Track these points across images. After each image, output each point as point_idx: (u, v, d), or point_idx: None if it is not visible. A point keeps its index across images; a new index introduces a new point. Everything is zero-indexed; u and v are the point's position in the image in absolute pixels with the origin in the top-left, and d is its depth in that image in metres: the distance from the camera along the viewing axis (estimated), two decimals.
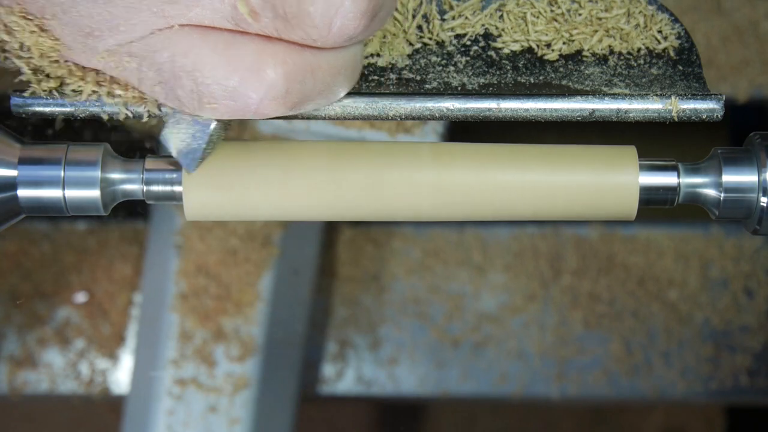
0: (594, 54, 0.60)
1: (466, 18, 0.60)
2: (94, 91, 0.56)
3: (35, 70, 0.55)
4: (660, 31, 0.60)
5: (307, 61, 0.52)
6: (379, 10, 0.51)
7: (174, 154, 0.56)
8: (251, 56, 0.51)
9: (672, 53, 0.60)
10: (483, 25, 0.60)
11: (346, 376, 1.17)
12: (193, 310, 1.03)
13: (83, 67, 0.55)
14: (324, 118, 0.58)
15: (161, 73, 0.53)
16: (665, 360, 1.16)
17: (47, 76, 0.55)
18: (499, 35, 0.60)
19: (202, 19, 0.51)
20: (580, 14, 0.60)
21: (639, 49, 0.60)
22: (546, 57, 0.60)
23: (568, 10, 0.60)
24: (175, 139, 0.56)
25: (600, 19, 0.61)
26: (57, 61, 0.55)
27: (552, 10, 0.60)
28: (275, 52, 0.51)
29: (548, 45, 0.60)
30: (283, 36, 0.51)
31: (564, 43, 0.60)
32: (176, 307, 1.03)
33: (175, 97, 0.53)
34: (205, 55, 0.51)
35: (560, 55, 0.60)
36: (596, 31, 0.60)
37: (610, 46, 0.60)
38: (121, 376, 1.15)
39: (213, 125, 0.55)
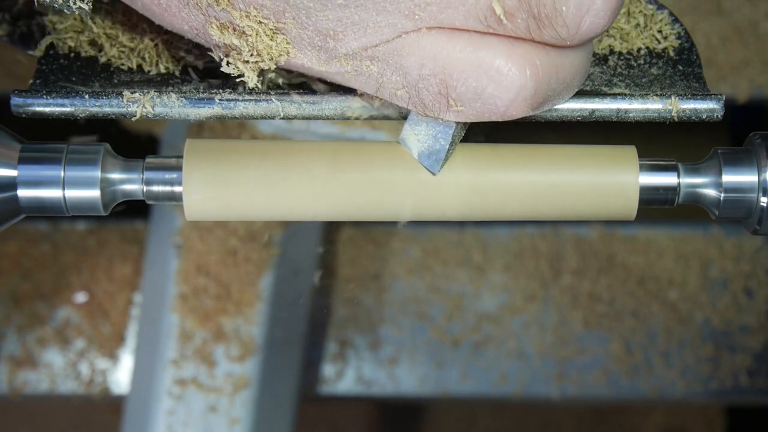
0: (594, 54, 0.60)
1: None
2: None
3: (260, 73, 0.54)
4: (660, 31, 0.61)
5: (552, 60, 0.52)
6: (621, 6, 0.51)
7: (415, 155, 0.56)
8: (502, 57, 0.51)
9: (672, 53, 0.60)
10: None
11: (346, 376, 1.17)
12: (193, 310, 1.03)
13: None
14: (324, 118, 0.58)
15: (406, 77, 0.52)
16: (665, 360, 1.16)
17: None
18: None
19: (453, 21, 0.50)
20: None
21: (639, 49, 0.60)
22: None
23: None
24: (415, 140, 0.55)
25: None
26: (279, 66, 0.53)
27: None
28: (524, 53, 0.51)
29: None
30: (533, 36, 0.50)
31: None
32: (176, 307, 1.03)
33: (420, 101, 0.52)
34: (454, 57, 0.51)
35: None
36: None
37: (610, 45, 0.60)
38: (121, 376, 1.15)
39: (456, 125, 0.55)
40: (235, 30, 0.52)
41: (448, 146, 0.55)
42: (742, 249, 1.18)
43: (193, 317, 1.03)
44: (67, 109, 0.57)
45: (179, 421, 1.03)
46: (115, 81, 0.59)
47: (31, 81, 0.59)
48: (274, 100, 0.56)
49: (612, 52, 0.60)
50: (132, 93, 0.57)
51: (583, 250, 1.18)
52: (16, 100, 0.57)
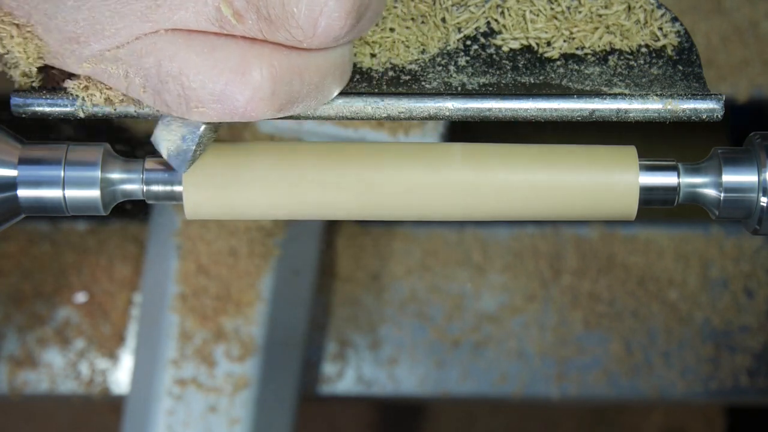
0: (595, 52, 0.60)
1: (471, 12, 0.60)
2: (83, 95, 0.56)
3: (25, 75, 0.55)
4: (660, 28, 0.61)
5: (293, 62, 0.52)
6: (366, 11, 0.51)
7: (165, 155, 0.56)
8: (236, 58, 0.51)
9: (672, 52, 0.60)
10: (486, 18, 0.60)
11: (346, 376, 1.17)
12: (193, 310, 1.03)
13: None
14: (323, 119, 0.58)
15: (148, 78, 0.53)
16: (665, 360, 1.16)
17: (39, 79, 0.56)
18: (500, 32, 0.60)
19: (187, 22, 0.51)
20: (580, 11, 0.60)
21: (639, 46, 0.60)
22: (546, 55, 0.60)
23: (568, 8, 0.60)
24: (166, 141, 0.56)
25: (600, 15, 0.61)
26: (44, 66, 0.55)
27: (552, 8, 0.60)
28: (261, 54, 0.51)
29: (548, 43, 0.60)
30: (268, 38, 0.51)
31: (564, 40, 0.60)
32: (176, 307, 1.03)
33: (163, 102, 0.53)
34: (190, 59, 0.51)
35: (561, 53, 0.60)
36: (597, 28, 0.60)
37: (610, 43, 0.60)
38: (121, 376, 1.15)
39: (202, 127, 0.55)
40: None
41: (194, 147, 0.56)
42: (742, 249, 1.18)
43: (193, 317, 1.03)
44: (67, 109, 0.57)
45: (179, 421, 1.03)
46: None
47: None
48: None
49: (612, 51, 0.60)
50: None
51: (583, 250, 1.18)
52: (16, 100, 0.57)
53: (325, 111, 0.57)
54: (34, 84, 0.56)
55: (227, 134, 1.02)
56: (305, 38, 0.51)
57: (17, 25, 0.53)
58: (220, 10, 0.50)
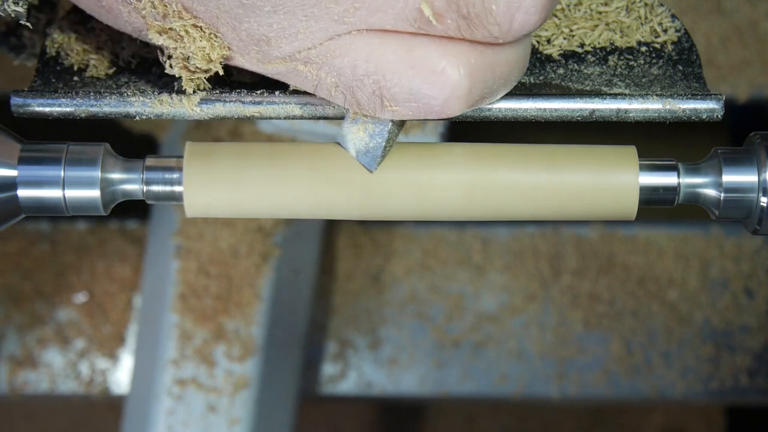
0: (595, 50, 0.60)
1: None
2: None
3: (200, 72, 0.54)
4: (660, 24, 0.61)
5: (487, 58, 0.52)
6: (554, 1, 0.51)
7: (353, 153, 0.56)
8: (434, 58, 0.51)
9: (672, 51, 0.60)
10: None
11: (346, 376, 1.17)
12: (193, 310, 1.03)
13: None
14: (324, 119, 0.58)
15: (341, 77, 0.52)
16: (665, 360, 1.16)
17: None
18: None
19: (384, 23, 0.50)
20: (579, 9, 0.60)
21: (639, 43, 0.60)
22: (546, 52, 0.60)
23: (568, 5, 0.60)
24: (353, 138, 0.56)
25: (600, 13, 0.61)
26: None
27: None
28: (458, 52, 0.51)
29: (548, 40, 0.60)
30: (465, 35, 0.51)
31: (564, 38, 0.60)
32: (176, 307, 1.03)
33: (355, 101, 0.53)
34: (387, 58, 0.51)
35: (561, 51, 0.60)
36: (597, 25, 0.60)
37: (611, 40, 0.60)
38: (121, 376, 1.15)
39: (390, 124, 0.55)
40: (171, 33, 0.52)
41: (384, 144, 0.56)
42: (742, 249, 1.18)
43: (193, 317, 1.03)
44: (67, 109, 0.57)
45: (179, 421, 1.03)
46: (115, 81, 0.59)
47: (31, 81, 0.59)
48: (266, 102, 0.57)
49: (612, 51, 0.60)
50: (131, 93, 0.57)
51: (583, 250, 1.18)
52: (16, 100, 0.57)
53: (326, 111, 0.57)
54: (202, 87, 0.55)
55: (227, 134, 1.02)
56: (501, 34, 0.50)
57: (200, 28, 0.52)
58: (421, 10, 0.50)
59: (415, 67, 0.51)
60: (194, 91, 0.56)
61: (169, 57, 0.54)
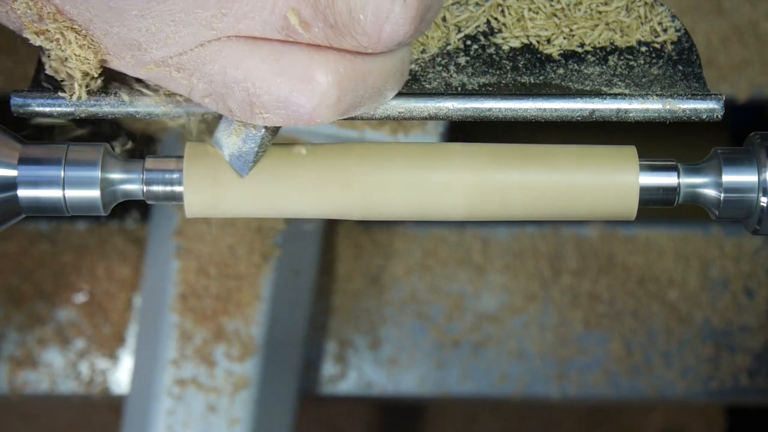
0: (595, 50, 0.60)
1: (471, 11, 0.60)
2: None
3: (86, 76, 0.55)
4: (660, 23, 0.61)
5: (357, 67, 0.52)
6: (427, 13, 0.51)
7: (226, 158, 0.57)
8: (302, 65, 0.51)
9: (672, 50, 0.60)
10: (486, 16, 0.60)
11: (346, 377, 1.17)
12: (193, 310, 1.03)
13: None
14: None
15: (212, 84, 0.52)
16: (665, 360, 1.16)
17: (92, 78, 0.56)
18: (500, 30, 0.60)
19: (252, 30, 0.51)
20: (579, 8, 0.60)
21: (639, 43, 0.60)
22: (546, 52, 0.60)
23: (568, 5, 0.60)
24: (227, 143, 0.56)
25: (600, 12, 0.61)
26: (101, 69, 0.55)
27: (551, 5, 0.60)
28: (326, 60, 0.51)
29: (548, 40, 0.60)
30: (333, 44, 0.51)
31: (564, 38, 0.60)
32: (176, 307, 1.03)
33: (227, 108, 0.53)
34: (255, 66, 0.51)
35: (561, 51, 0.60)
36: (597, 25, 0.60)
37: (611, 39, 0.60)
38: (121, 376, 1.15)
39: (263, 130, 0.55)
40: (48, 35, 0.53)
41: (256, 149, 0.56)
42: (742, 249, 1.18)
43: (193, 317, 1.03)
44: (67, 109, 0.57)
45: (179, 421, 1.03)
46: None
47: (30, 81, 0.59)
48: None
49: (612, 51, 0.60)
50: (131, 93, 0.57)
51: (583, 250, 1.18)
52: (16, 100, 0.57)
53: None
54: (92, 89, 0.56)
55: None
56: (370, 44, 0.51)
57: (75, 30, 0.53)
58: (287, 18, 0.50)
59: (284, 74, 0.51)
60: (75, 95, 0.56)
61: (48, 57, 0.54)
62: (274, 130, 0.56)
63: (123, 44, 0.53)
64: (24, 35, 0.54)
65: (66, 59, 0.54)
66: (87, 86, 0.56)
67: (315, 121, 0.52)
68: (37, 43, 0.53)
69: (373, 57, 0.52)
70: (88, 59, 0.53)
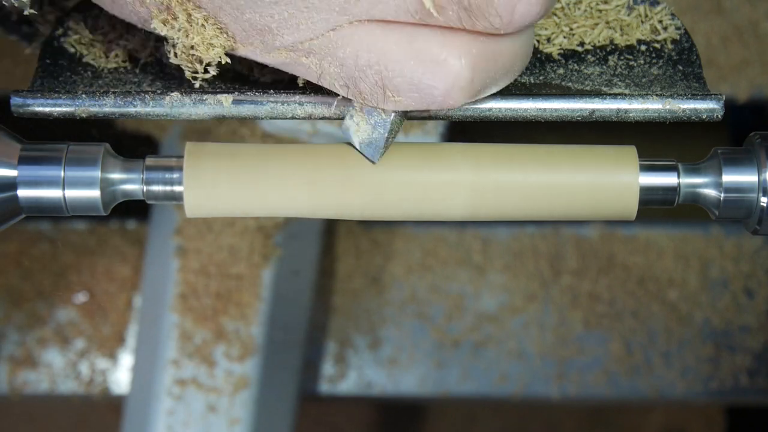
0: (595, 48, 0.60)
1: None
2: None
3: (198, 62, 0.55)
4: (660, 21, 0.61)
5: (489, 48, 0.52)
6: None
7: (356, 145, 0.56)
8: (436, 48, 0.51)
9: (672, 50, 0.60)
10: None
11: (346, 377, 1.17)
12: (193, 310, 1.03)
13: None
14: (321, 119, 0.58)
15: (343, 68, 0.52)
16: (665, 360, 1.16)
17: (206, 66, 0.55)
18: None
19: (385, 15, 0.51)
20: (579, 7, 0.60)
21: (640, 42, 0.60)
22: (546, 51, 0.60)
23: (567, 4, 0.60)
24: (357, 130, 0.56)
25: (600, 11, 0.61)
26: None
27: None
28: (459, 43, 0.51)
29: (548, 39, 0.60)
30: (466, 26, 0.51)
31: (564, 37, 0.60)
32: (176, 307, 1.03)
33: (358, 92, 0.53)
34: (389, 49, 0.51)
35: (561, 50, 0.60)
36: (597, 24, 0.60)
37: (611, 38, 0.60)
38: (121, 376, 1.15)
39: (393, 115, 0.55)
40: (175, 24, 0.53)
41: (387, 135, 0.56)
42: (742, 249, 1.18)
43: (193, 317, 1.03)
44: (67, 109, 0.57)
45: (179, 421, 1.03)
46: (116, 81, 0.59)
47: (31, 81, 0.59)
48: (267, 101, 0.57)
49: (613, 50, 0.60)
50: (131, 93, 0.57)
51: (583, 250, 1.18)
52: (16, 100, 0.57)
53: (324, 111, 0.57)
54: (207, 77, 0.56)
55: (227, 134, 1.02)
56: (502, 25, 0.50)
57: (204, 18, 0.52)
58: (422, 2, 0.50)
59: (417, 57, 0.51)
60: (197, 84, 0.56)
61: (173, 46, 0.54)
62: (404, 115, 0.56)
63: (253, 30, 0.52)
64: (149, 26, 0.53)
65: (192, 47, 0.53)
66: (215, 71, 0.55)
67: (448, 103, 0.52)
68: (164, 33, 0.53)
69: (504, 38, 0.52)
70: (215, 46, 0.53)
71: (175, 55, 0.54)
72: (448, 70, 0.51)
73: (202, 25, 0.52)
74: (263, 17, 0.52)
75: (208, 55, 0.53)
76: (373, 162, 0.57)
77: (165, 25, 0.53)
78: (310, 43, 0.52)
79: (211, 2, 0.52)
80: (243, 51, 0.54)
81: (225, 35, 0.53)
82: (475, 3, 0.49)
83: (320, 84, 0.54)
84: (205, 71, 0.55)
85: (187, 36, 0.53)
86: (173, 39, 0.53)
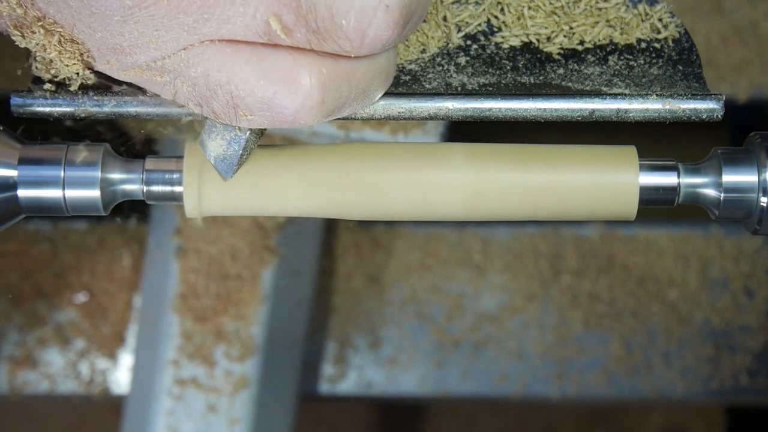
0: (595, 48, 0.60)
1: (472, 9, 0.60)
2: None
3: (67, 77, 0.56)
4: (660, 19, 0.61)
5: (341, 69, 0.52)
6: (412, 17, 0.51)
7: (211, 161, 0.57)
8: (285, 67, 0.51)
9: (672, 50, 0.60)
10: (486, 14, 0.60)
11: (346, 377, 1.17)
12: (193, 310, 1.03)
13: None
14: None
15: (196, 87, 0.53)
16: (665, 360, 1.16)
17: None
18: (500, 29, 0.60)
19: (234, 35, 0.51)
20: (579, 6, 0.60)
21: (639, 41, 0.60)
22: (546, 50, 0.60)
23: (567, 3, 0.60)
24: (212, 145, 0.56)
25: (600, 9, 0.61)
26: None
27: (551, 3, 0.60)
28: (309, 62, 0.51)
29: (548, 38, 0.60)
30: (316, 48, 0.51)
31: (564, 36, 0.60)
32: (176, 307, 1.03)
33: (211, 110, 0.53)
34: (239, 68, 0.51)
35: (561, 49, 0.60)
36: (597, 22, 0.60)
37: (611, 37, 0.60)
38: (121, 376, 1.15)
39: (248, 133, 0.55)
40: (33, 37, 0.53)
41: (241, 152, 0.56)
42: (742, 249, 1.18)
43: (193, 317, 1.03)
44: (67, 109, 0.57)
45: (179, 421, 1.03)
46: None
47: (30, 81, 0.59)
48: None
49: (613, 50, 0.60)
50: (131, 93, 0.57)
51: (583, 250, 1.18)
52: (16, 100, 0.57)
53: None
54: (72, 88, 0.56)
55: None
56: (353, 48, 0.51)
57: (60, 34, 0.53)
58: (269, 24, 0.50)
59: (267, 76, 0.51)
60: (51, 90, 0.57)
61: (35, 59, 0.55)
62: (260, 133, 0.56)
63: (107, 48, 0.53)
64: (11, 37, 0.54)
65: (51, 61, 0.54)
66: (82, 82, 0.56)
67: (299, 122, 0.52)
68: (23, 45, 0.54)
69: (357, 59, 0.52)
70: (72, 62, 0.54)
71: (36, 67, 0.55)
72: (298, 90, 0.51)
73: (59, 40, 0.53)
74: (114, 36, 0.52)
75: (66, 70, 0.54)
76: (225, 178, 0.57)
77: (23, 38, 0.54)
78: (162, 62, 0.52)
79: (64, 20, 0.52)
80: (101, 68, 0.54)
81: (80, 52, 0.54)
82: (323, 26, 0.49)
83: (175, 101, 0.54)
84: (69, 83, 0.55)
85: (45, 50, 0.53)
86: (33, 52, 0.54)
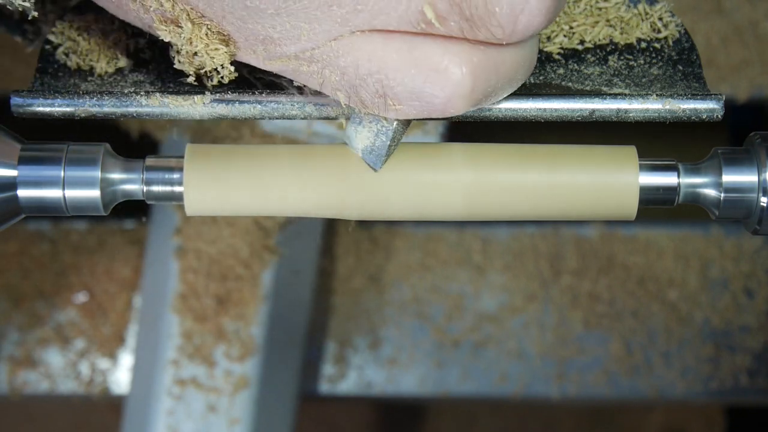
0: (595, 47, 0.60)
1: None
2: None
3: (201, 67, 0.55)
4: (660, 18, 0.61)
5: (491, 57, 0.52)
6: (559, 2, 0.51)
7: (359, 153, 0.57)
8: (437, 56, 0.51)
9: (672, 50, 0.60)
10: None
11: (346, 377, 1.17)
12: (193, 310, 1.03)
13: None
14: (326, 119, 0.58)
15: (345, 77, 0.53)
16: (665, 360, 1.16)
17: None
18: None
19: (387, 25, 0.51)
20: (579, 5, 0.60)
21: (639, 41, 0.60)
22: (546, 50, 0.60)
23: (567, 2, 0.60)
24: (359, 137, 0.56)
25: (600, 9, 0.61)
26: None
27: None
28: (460, 51, 0.51)
29: (548, 38, 0.60)
30: (468, 36, 0.51)
31: (564, 35, 0.60)
32: (176, 307, 1.03)
33: (359, 100, 0.53)
34: (389, 57, 0.51)
35: (561, 49, 0.60)
36: (597, 22, 0.60)
37: (611, 36, 0.60)
38: (121, 376, 1.15)
39: (395, 123, 0.55)
40: (179, 30, 0.53)
41: (389, 143, 0.56)
42: (742, 249, 1.18)
43: (193, 317, 1.03)
44: (67, 109, 0.57)
45: (179, 421, 1.03)
46: (116, 81, 0.59)
47: (31, 81, 0.59)
48: (267, 102, 0.57)
49: (613, 50, 0.60)
50: (131, 93, 0.57)
51: (583, 250, 1.18)
52: (16, 100, 0.57)
53: (323, 111, 0.57)
54: (211, 83, 0.56)
55: (227, 134, 1.02)
56: (504, 36, 0.51)
57: (207, 26, 0.53)
58: (423, 13, 0.50)
59: (418, 66, 0.51)
60: (203, 89, 0.56)
61: (178, 53, 0.54)
62: (407, 123, 0.56)
63: (255, 39, 0.53)
64: (154, 32, 0.54)
65: (195, 54, 0.54)
66: (220, 78, 0.56)
67: (449, 111, 0.52)
68: (167, 39, 0.53)
69: (506, 47, 0.52)
70: (218, 54, 0.53)
71: (179, 61, 0.54)
72: (449, 79, 0.51)
73: (206, 33, 0.53)
74: (265, 28, 0.52)
75: (211, 62, 0.54)
76: (375, 170, 0.57)
77: (168, 32, 0.53)
78: (311, 53, 0.52)
79: (214, 12, 0.52)
80: (245, 58, 0.54)
81: (227, 43, 0.53)
82: (477, 14, 0.49)
83: (322, 91, 0.54)
84: (209, 78, 0.55)
85: (190, 43, 0.53)
86: (177, 45, 0.54)
